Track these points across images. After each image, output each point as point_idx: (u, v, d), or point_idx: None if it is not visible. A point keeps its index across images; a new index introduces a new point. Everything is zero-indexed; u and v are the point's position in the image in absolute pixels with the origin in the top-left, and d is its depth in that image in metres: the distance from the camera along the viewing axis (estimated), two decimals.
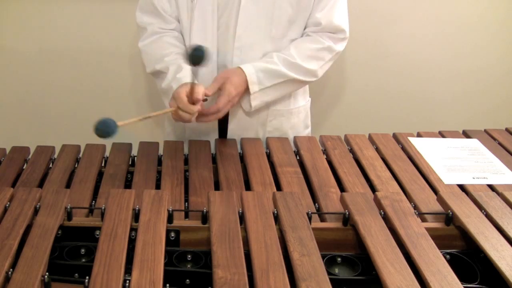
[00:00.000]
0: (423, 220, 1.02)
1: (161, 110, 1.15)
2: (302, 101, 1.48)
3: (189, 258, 0.90)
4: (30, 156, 1.24)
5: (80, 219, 0.97)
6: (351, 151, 1.33)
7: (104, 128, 0.88)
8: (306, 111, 1.51)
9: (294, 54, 1.30)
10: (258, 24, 1.29)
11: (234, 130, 1.40)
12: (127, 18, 1.94)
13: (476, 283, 0.88)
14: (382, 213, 0.98)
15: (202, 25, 1.30)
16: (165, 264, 0.82)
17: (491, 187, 1.16)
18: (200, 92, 1.14)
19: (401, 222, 0.95)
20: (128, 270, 0.79)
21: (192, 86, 1.13)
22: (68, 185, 1.13)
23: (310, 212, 0.98)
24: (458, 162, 1.27)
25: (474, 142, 1.39)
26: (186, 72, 1.23)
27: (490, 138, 1.42)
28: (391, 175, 1.21)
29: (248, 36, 1.29)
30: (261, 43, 1.31)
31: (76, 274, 0.86)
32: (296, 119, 1.47)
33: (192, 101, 1.14)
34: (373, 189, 1.15)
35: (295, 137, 1.40)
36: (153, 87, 2.11)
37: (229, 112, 1.37)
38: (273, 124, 1.43)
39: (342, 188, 1.15)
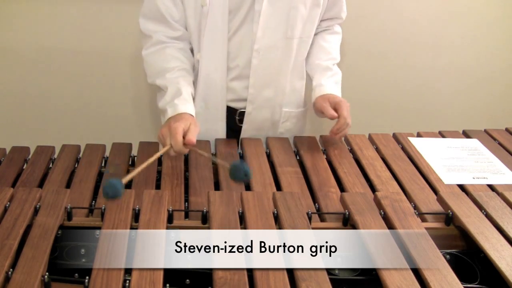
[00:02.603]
0: (423, 220, 1.02)
1: (155, 154, 1.07)
2: (306, 104, 1.51)
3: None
4: (30, 156, 1.24)
5: (80, 219, 0.97)
6: (351, 151, 1.33)
7: (113, 192, 0.88)
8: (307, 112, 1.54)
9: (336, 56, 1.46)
10: (276, 26, 1.29)
11: (247, 131, 1.41)
12: (128, 19, 1.94)
13: (476, 283, 0.88)
14: (382, 213, 0.98)
15: (213, 29, 1.28)
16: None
17: (491, 187, 1.16)
18: (194, 136, 1.10)
19: (401, 222, 0.95)
20: (128, 270, 0.79)
21: (190, 128, 1.11)
22: (68, 185, 1.13)
23: (310, 212, 0.98)
24: (458, 162, 1.27)
25: (474, 142, 1.39)
26: (184, 98, 1.21)
27: (490, 138, 1.42)
28: (391, 175, 1.21)
29: (267, 38, 1.29)
30: (278, 44, 1.31)
31: (76, 274, 0.86)
32: (304, 120, 1.51)
33: (184, 142, 1.10)
34: (373, 189, 1.15)
35: (295, 137, 1.40)
36: (152, 88, 2.11)
37: (244, 113, 1.38)
38: (285, 125, 1.45)
39: (342, 188, 1.15)
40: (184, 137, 1.09)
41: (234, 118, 1.40)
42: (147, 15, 1.31)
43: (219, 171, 1.20)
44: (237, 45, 1.31)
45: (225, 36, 1.29)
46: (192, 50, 1.35)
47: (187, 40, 1.33)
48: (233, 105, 1.39)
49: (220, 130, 1.39)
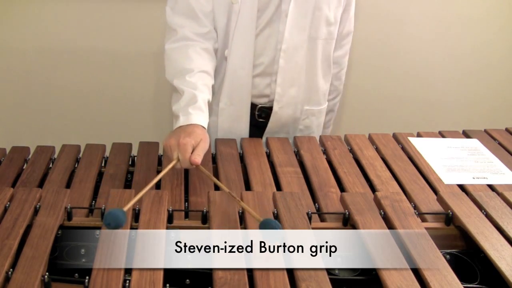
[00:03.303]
0: (423, 220, 1.02)
1: (161, 172, 1.05)
2: (326, 102, 1.55)
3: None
4: (30, 156, 1.24)
5: (80, 219, 0.97)
6: (351, 151, 1.33)
7: (114, 222, 0.86)
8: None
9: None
10: (301, 26, 1.31)
11: (271, 128, 1.44)
12: (128, 18, 1.94)
13: (476, 283, 0.88)
14: (382, 213, 0.98)
15: (242, 26, 1.28)
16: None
17: (491, 187, 1.16)
18: (200, 156, 1.06)
19: (401, 222, 0.95)
20: (128, 270, 0.79)
21: (199, 145, 1.08)
22: (68, 185, 1.13)
23: (310, 212, 0.98)
24: (458, 162, 1.27)
25: (474, 142, 1.39)
26: (198, 107, 1.16)
27: (490, 138, 1.42)
28: (391, 175, 1.20)
29: (294, 39, 1.31)
30: (303, 44, 1.33)
31: (76, 274, 0.86)
32: (322, 118, 1.54)
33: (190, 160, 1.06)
34: (373, 189, 1.15)
35: (295, 137, 1.40)
36: (152, 88, 2.11)
37: (272, 111, 1.41)
38: (305, 122, 1.48)
39: (342, 188, 1.15)
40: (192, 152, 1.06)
41: (254, 114, 1.43)
42: (176, 8, 1.28)
43: (219, 171, 1.20)
44: (263, 43, 1.33)
45: (253, 34, 1.30)
46: (215, 50, 1.34)
47: (212, 39, 1.31)
48: (254, 100, 1.42)
49: (243, 125, 1.42)
